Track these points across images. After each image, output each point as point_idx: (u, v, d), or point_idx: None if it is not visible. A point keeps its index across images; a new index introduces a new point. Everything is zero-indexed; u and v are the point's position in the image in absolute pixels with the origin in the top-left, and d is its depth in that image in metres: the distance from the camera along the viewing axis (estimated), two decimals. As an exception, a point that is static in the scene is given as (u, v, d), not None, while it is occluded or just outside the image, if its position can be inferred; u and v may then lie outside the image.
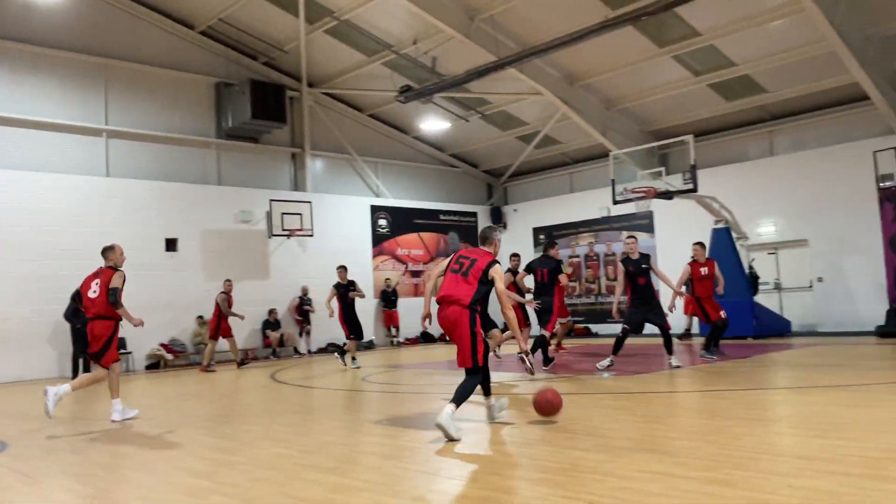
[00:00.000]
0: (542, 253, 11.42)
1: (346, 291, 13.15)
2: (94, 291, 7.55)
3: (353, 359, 13.32)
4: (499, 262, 6.18)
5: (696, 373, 9.52)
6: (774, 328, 15.48)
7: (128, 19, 16.74)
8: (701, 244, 11.54)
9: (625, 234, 20.14)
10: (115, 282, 7.52)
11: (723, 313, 11.08)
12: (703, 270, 11.17)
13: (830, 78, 15.47)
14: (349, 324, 13.16)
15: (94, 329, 7.51)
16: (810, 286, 16.70)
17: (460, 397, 5.78)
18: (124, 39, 16.66)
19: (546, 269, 10.73)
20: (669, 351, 10.05)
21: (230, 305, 14.47)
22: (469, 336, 5.91)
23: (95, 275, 7.67)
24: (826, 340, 13.81)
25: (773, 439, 5.08)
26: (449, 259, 6.40)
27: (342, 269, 13.49)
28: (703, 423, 5.99)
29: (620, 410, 6.77)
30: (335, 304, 13.26)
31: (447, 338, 6.68)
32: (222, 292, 14.56)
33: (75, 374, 13.73)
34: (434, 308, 6.23)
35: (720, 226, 15.67)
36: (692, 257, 11.33)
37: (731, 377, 8.74)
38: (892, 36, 14.07)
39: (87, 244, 15.12)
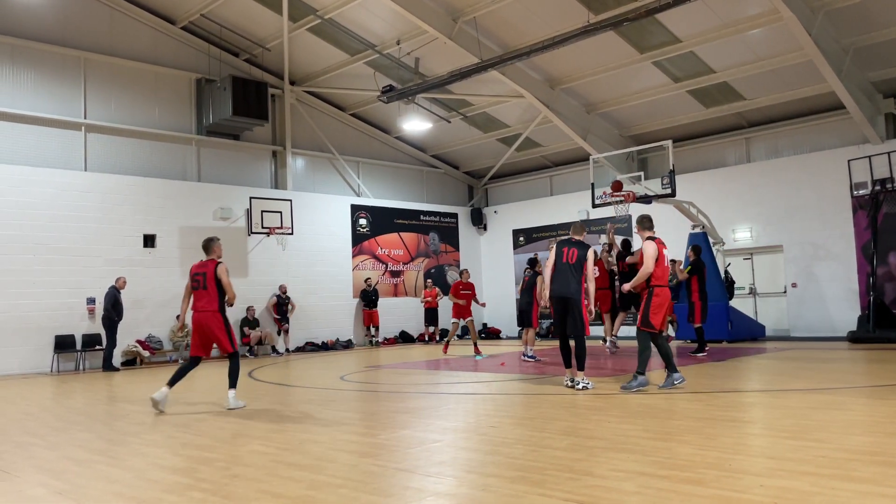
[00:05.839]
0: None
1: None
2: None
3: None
4: None
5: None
6: (749, 332, 15.70)
7: (108, 13, 16.57)
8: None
9: (602, 237, 20.28)
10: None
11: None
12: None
13: (806, 87, 15.73)
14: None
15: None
16: (784, 291, 16.95)
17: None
18: (104, 33, 16.49)
19: None
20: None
21: None
22: None
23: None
24: (799, 345, 14.02)
25: (745, 440, 5.17)
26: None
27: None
28: (677, 424, 6.07)
29: (595, 411, 6.84)
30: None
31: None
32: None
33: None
34: None
35: (697, 230, 15.82)
36: None
37: (705, 379, 8.85)
38: (868, 47, 14.34)
39: (63, 239, 15.01)
